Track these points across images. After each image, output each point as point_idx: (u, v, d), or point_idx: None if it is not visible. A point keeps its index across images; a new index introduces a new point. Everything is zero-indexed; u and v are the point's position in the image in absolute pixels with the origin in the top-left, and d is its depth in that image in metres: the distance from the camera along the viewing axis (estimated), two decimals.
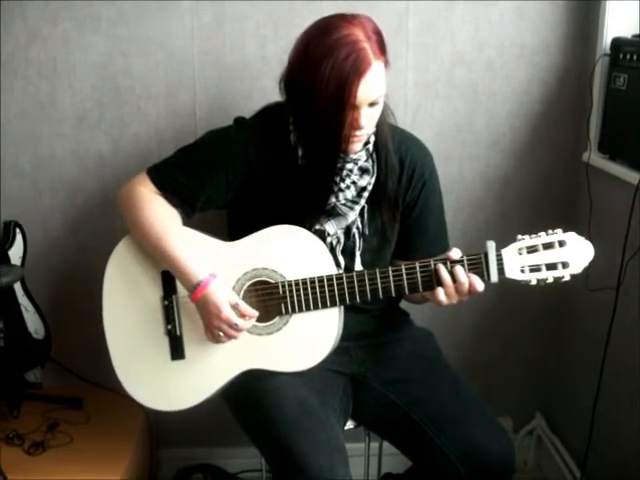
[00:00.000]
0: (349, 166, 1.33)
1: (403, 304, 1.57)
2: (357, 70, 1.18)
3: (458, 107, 1.75)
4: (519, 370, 1.97)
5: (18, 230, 1.66)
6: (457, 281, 1.24)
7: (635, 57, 1.48)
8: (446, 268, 1.24)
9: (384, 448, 1.60)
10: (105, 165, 1.73)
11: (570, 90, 1.74)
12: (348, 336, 1.38)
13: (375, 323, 1.48)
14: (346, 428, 1.44)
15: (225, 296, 1.28)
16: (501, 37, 1.70)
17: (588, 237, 1.24)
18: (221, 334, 1.29)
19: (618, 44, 1.56)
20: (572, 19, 1.69)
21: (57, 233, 1.77)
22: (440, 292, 1.25)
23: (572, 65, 1.72)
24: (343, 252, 1.37)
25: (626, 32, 1.59)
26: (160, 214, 1.34)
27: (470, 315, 1.90)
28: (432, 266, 1.25)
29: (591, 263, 1.24)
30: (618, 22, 1.59)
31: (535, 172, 1.80)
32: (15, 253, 1.65)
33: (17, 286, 1.65)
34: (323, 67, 1.18)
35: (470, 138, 1.77)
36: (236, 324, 1.27)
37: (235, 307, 1.28)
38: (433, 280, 1.25)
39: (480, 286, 1.24)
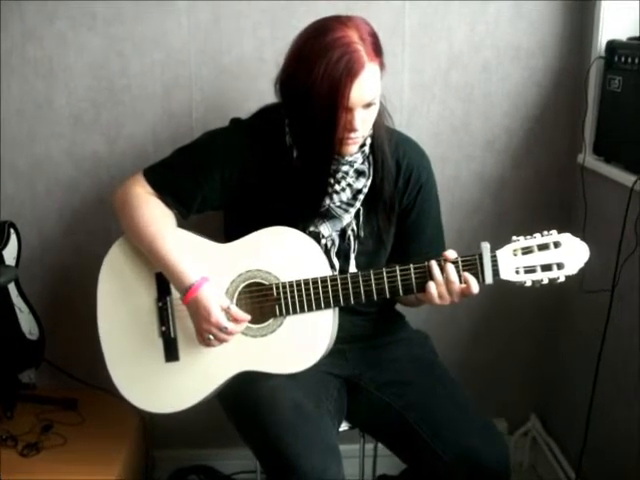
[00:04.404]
0: (345, 168, 1.33)
1: (399, 307, 1.57)
2: (350, 72, 1.18)
3: (454, 109, 1.75)
4: (514, 372, 1.97)
5: (12, 230, 1.65)
6: (448, 279, 1.24)
7: (630, 59, 1.49)
8: (439, 265, 1.24)
9: (379, 450, 1.59)
10: (101, 165, 1.72)
11: (565, 92, 1.74)
12: (343, 339, 1.38)
13: (371, 326, 1.48)
14: (341, 429, 1.43)
15: (215, 299, 1.27)
16: (497, 38, 1.70)
17: (583, 239, 1.23)
18: (211, 337, 1.29)
19: (613, 46, 1.57)
20: (567, 21, 1.69)
21: (52, 233, 1.76)
22: (432, 286, 1.24)
23: (567, 67, 1.73)
24: (338, 254, 1.37)
25: (621, 34, 1.59)
26: (155, 215, 1.34)
27: (466, 317, 1.90)
28: (426, 266, 1.25)
29: (586, 265, 1.24)
30: (613, 25, 1.59)
31: (530, 174, 1.80)
32: (9, 253, 1.64)
33: (11, 286, 1.64)
34: (316, 69, 1.18)
35: (466, 140, 1.77)
36: (226, 327, 1.27)
37: (226, 311, 1.28)
38: (427, 280, 1.25)
39: (475, 287, 1.24)
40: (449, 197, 1.78)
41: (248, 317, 1.30)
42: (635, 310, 1.51)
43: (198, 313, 1.28)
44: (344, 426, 1.47)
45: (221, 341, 1.30)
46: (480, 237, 1.27)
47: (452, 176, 1.79)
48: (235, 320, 1.29)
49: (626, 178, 1.49)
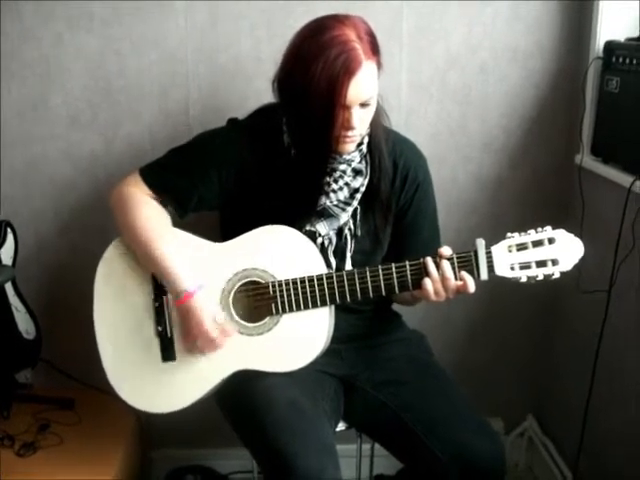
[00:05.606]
0: (342, 167, 1.33)
1: (395, 306, 1.57)
2: (347, 70, 1.18)
3: (451, 110, 1.75)
4: (511, 372, 1.97)
5: (9, 230, 1.65)
6: (444, 276, 1.24)
7: (628, 60, 1.49)
8: (434, 262, 1.25)
9: (376, 449, 1.60)
10: (98, 165, 1.72)
11: (563, 93, 1.74)
12: (339, 338, 1.38)
13: (367, 325, 1.48)
14: (337, 429, 1.43)
15: (208, 311, 1.29)
16: (494, 39, 1.70)
17: (580, 239, 1.24)
18: (198, 344, 1.30)
19: (611, 47, 1.57)
20: (565, 22, 1.70)
21: (49, 233, 1.76)
22: (427, 283, 1.24)
23: (565, 68, 1.73)
24: (335, 253, 1.37)
25: (619, 35, 1.59)
26: (151, 217, 1.34)
27: (462, 317, 1.90)
28: (421, 263, 1.25)
29: (583, 265, 1.24)
30: (611, 25, 1.59)
31: (528, 174, 1.80)
32: (6, 253, 1.64)
33: (8, 286, 1.64)
34: (314, 67, 1.18)
35: (463, 140, 1.77)
36: (214, 339, 1.28)
37: (216, 322, 1.29)
38: (422, 277, 1.25)
39: (471, 286, 1.24)
40: (446, 198, 1.78)
41: (235, 331, 1.31)
42: (632, 310, 1.51)
43: (188, 319, 1.30)
44: (341, 426, 1.47)
45: (204, 351, 1.31)
46: (477, 237, 1.27)
47: (449, 177, 1.79)
48: (223, 332, 1.30)
49: (623, 179, 1.49)
